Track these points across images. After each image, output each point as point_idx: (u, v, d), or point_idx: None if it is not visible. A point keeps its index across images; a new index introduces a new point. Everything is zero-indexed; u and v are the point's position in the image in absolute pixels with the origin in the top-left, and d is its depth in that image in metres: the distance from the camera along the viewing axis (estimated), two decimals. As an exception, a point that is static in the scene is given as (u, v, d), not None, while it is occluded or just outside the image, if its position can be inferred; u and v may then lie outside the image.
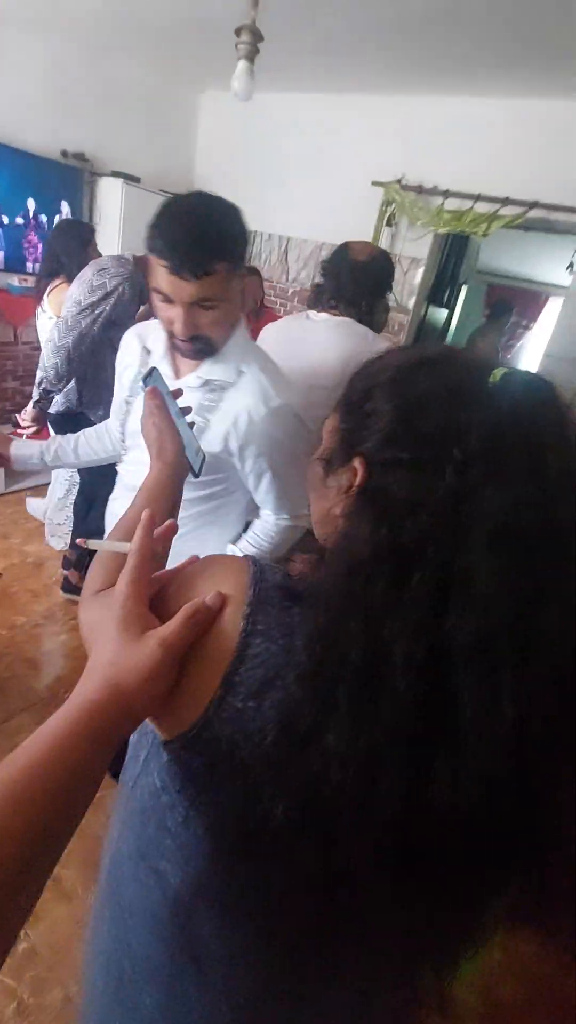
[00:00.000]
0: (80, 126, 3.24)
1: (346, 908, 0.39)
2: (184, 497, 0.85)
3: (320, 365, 1.34)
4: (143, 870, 0.46)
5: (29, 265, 3.19)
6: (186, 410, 0.82)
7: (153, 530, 0.47)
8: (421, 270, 3.13)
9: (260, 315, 2.80)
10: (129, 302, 1.77)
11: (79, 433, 1.21)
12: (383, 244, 3.13)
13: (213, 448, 0.97)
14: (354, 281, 1.38)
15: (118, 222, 3.30)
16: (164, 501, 0.67)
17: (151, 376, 0.78)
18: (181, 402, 0.82)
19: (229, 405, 0.96)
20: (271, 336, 1.49)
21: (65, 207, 3.28)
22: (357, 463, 0.41)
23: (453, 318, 4.31)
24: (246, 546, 1.12)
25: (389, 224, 3.07)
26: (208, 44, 2.71)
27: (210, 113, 3.80)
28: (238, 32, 1.25)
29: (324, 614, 0.37)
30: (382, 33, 2.22)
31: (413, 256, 3.12)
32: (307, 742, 0.35)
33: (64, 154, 3.21)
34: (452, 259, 3.53)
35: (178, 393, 0.82)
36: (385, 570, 0.35)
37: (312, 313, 1.45)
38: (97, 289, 1.71)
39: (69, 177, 3.26)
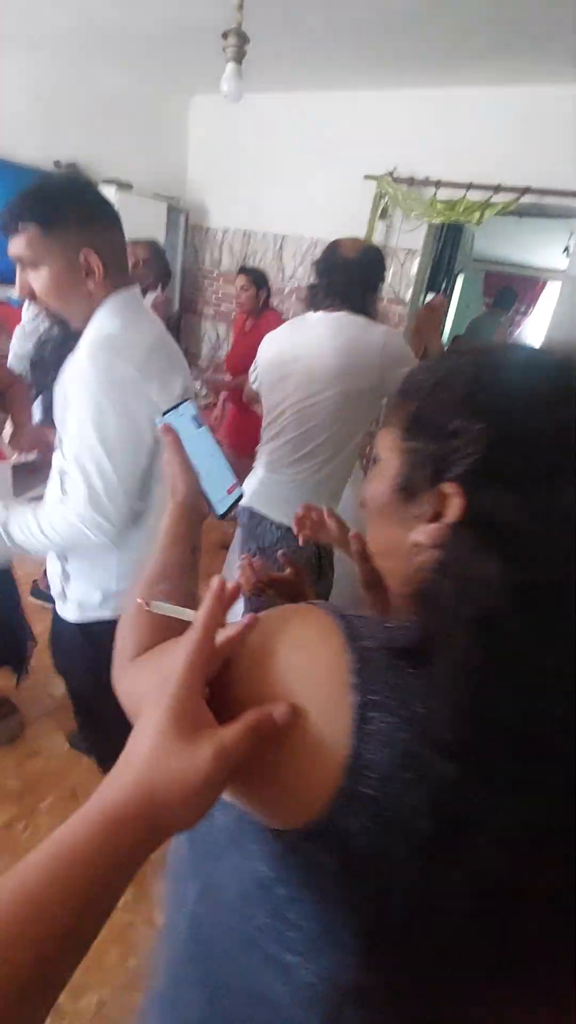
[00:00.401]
0: (72, 136, 3.27)
1: (523, 998, 0.36)
2: None
3: (319, 358, 1.38)
4: (258, 959, 0.41)
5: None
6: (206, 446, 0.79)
7: (224, 600, 0.40)
8: (417, 261, 3.13)
9: (259, 315, 2.82)
10: None
11: None
12: (378, 237, 3.14)
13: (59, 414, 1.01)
14: (347, 278, 1.40)
15: (113, 229, 3.33)
16: (178, 544, 0.61)
17: (174, 410, 0.73)
18: None
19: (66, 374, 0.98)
20: (276, 343, 1.53)
21: (60, 217, 3.31)
22: (449, 490, 0.36)
23: (450, 307, 4.31)
24: (28, 518, 1.03)
25: (383, 217, 3.07)
26: (195, 49, 2.73)
27: (200, 116, 3.82)
28: (225, 35, 1.27)
29: (464, 677, 0.32)
30: (365, 31, 2.23)
31: (408, 247, 3.12)
32: (467, 825, 0.31)
33: (57, 164, 3.23)
34: (447, 249, 3.53)
35: (207, 418, 0.82)
36: (526, 618, 0.31)
37: (310, 314, 1.48)
38: None
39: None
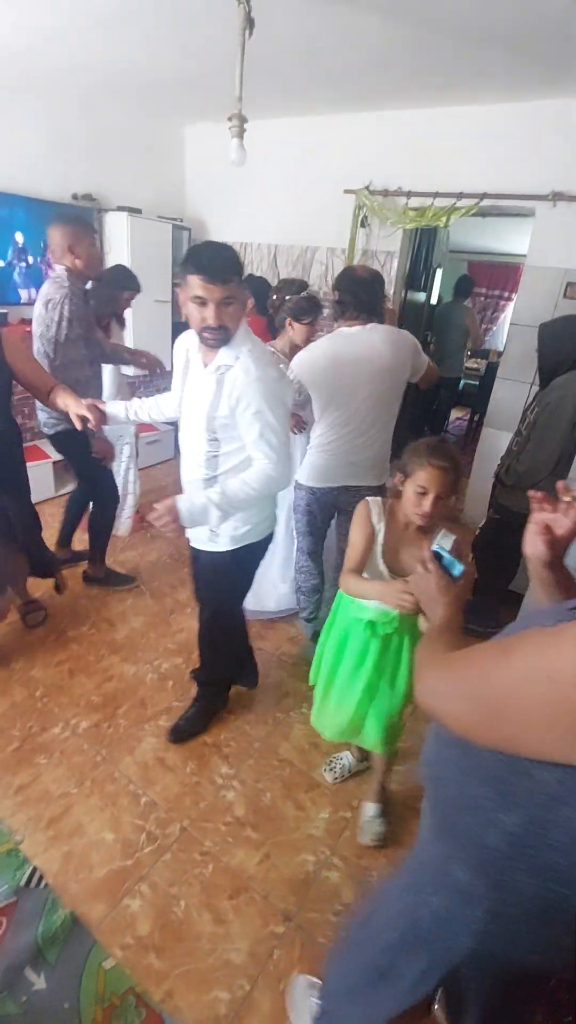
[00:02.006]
0: (85, 170, 3.71)
1: None
2: (220, 452, 1.47)
3: (380, 359, 1.91)
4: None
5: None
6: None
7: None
8: (396, 262, 3.55)
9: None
10: (81, 304, 2.18)
11: (145, 400, 1.78)
12: (359, 244, 3.57)
13: (223, 413, 1.44)
14: (370, 295, 1.91)
15: (127, 249, 3.77)
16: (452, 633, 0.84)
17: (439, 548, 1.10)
18: (203, 381, 1.46)
19: (229, 380, 1.42)
20: (327, 354, 1.93)
21: (80, 243, 3.76)
22: None
23: (432, 299, 4.71)
24: (240, 484, 1.46)
25: (363, 225, 3.50)
26: (190, 88, 3.16)
27: (196, 143, 4.26)
28: (230, 118, 1.69)
29: None
30: (343, 70, 2.65)
31: (387, 250, 3.54)
32: None
33: (75, 196, 3.69)
34: (423, 248, 3.93)
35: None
36: None
37: (344, 328, 1.94)
38: (50, 303, 2.12)
39: (80, 216, 3.73)
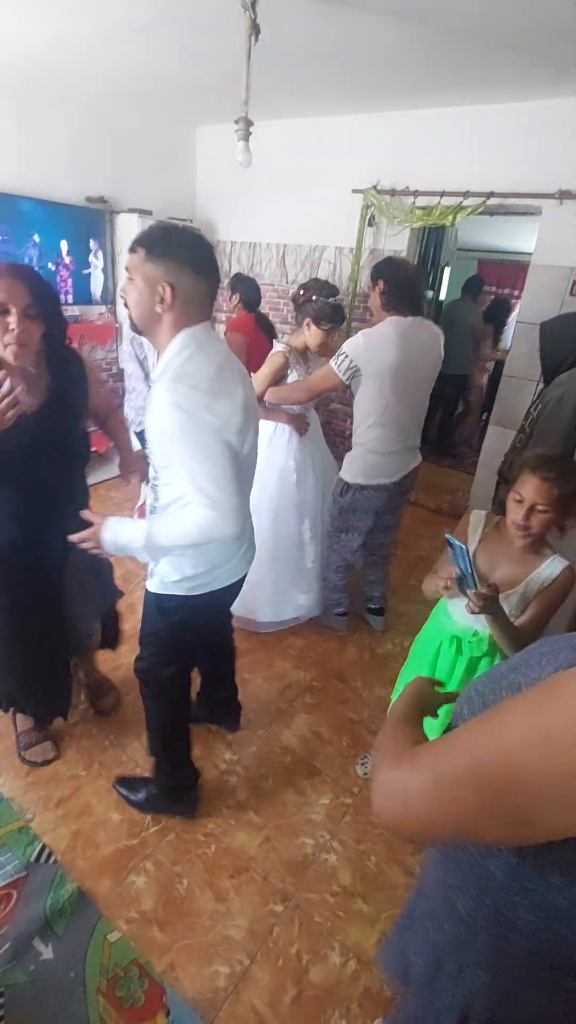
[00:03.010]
0: (99, 173, 3.79)
1: None
2: (159, 480, 1.21)
3: (434, 354, 2.09)
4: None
5: (62, 298, 3.76)
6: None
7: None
8: (403, 260, 3.58)
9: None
10: None
11: None
12: (366, 243, 3.61)
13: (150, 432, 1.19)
14: (418, 289, 2.03)
15: (137, 251, 3.84)
16: None
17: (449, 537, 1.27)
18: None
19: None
20: (391, 347, 1.95)
21: (93, 244, 3.84)
22: None
23: (440, 297, 4.73)
24: (165, 525, 1.18)
25: (371, 224, 3.53)
26: (198, 90, 3.21)
27: (206, 145, 4.32)
28: (236, 121, 1.74)
29: None
30: (351, 71, 2.68)
31: (395, 249, 3.56)
32: None
33: (89, 199, 3.76)
34: (431, 247, 3.95)
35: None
36: None
37: (395, 318, 1.98)
38: None
39: (94, 218, 3.81)
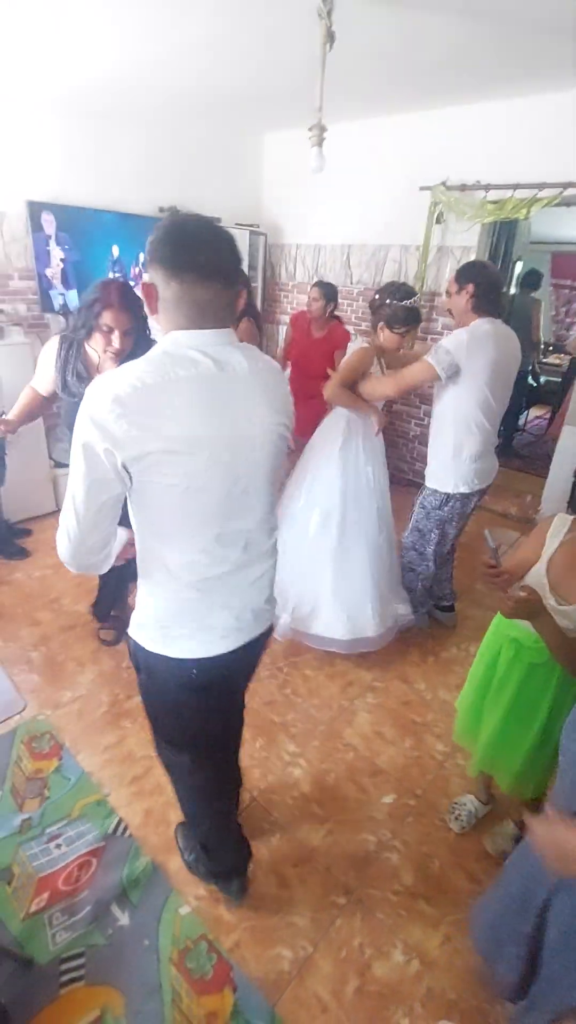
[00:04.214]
0: (170, 184, 3.96)
1: None
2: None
3: (518, 355, 2.12)
4: None
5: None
6: None
7: None
8: (472, 256, 3.49)
9: (327, 324, 3.26)
10: None
11: None
12: (434, 240, 3.55)
13: None
14: (500, 294, 2.03)
15: (206, 258, 3.97)
16: None
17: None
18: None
19: None
20: (491, 348, 1.97)
21: (165, 253, 4.01)
22: None
23: (511, 291, 4.58)
24: None
25: (439, 222, 3.47)
26: (267, 101, 3.29)
27: (273, 151, 4.40)
28: (311, 128, 1.78)
29: None
30: (417, 69, 2.66)
31: (464, 245, 3.49)
32: None
33: (160, 209, 3.94)
34: (502, 241, 3.83)
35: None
36: None
37: (492, 322, 2.00)
38: None
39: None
